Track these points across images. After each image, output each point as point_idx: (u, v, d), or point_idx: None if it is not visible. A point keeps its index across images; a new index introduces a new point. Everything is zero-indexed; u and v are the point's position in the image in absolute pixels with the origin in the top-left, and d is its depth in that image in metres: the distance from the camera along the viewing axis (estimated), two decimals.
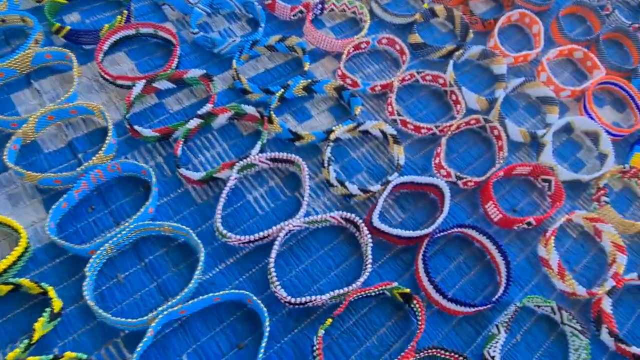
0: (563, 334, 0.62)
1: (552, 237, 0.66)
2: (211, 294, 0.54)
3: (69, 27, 0.73)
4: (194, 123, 0.67)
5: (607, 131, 0.83)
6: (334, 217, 0.63)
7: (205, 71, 0.72)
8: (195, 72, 0.72)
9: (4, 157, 0.59)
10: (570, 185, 0.77)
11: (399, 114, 0.75)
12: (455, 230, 0.65)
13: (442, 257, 0.65)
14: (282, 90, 0.73)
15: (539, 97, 0.87)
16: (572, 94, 0.88)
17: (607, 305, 0.62)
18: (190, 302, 0.53)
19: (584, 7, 1.04)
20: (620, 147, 0.84)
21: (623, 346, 0.60)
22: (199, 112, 0.68)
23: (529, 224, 0.69)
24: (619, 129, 0.83)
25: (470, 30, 0.90)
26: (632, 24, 1.02)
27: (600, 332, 0.62)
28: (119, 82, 0.70)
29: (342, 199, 0.68)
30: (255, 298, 0.55)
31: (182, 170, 0.63)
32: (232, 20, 0.85)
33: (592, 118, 0.84)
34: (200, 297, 0.53)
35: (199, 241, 0.57)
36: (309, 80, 0.75)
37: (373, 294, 0.59)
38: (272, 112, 0.70)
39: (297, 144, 0.71)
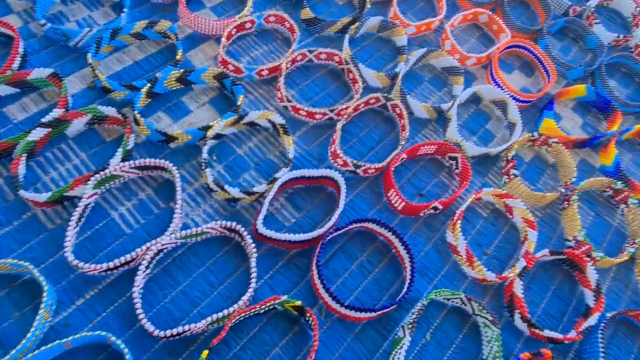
0: (476, 326, 0.57)
1: (459, 222, 0.61)
2: (59, 341, 0.45)
3: None
4: (38, 134, 0.57)
5: (514, 98, 0.78)
6: (213, 228, 0.55)
7: (52, 70, 0.61)
8: (40, 72, 0.61)
9: None
10: (480, 160, 0.72)
11: (288, 100, 0.67)
12: (354, 226, 0.59)
13: (342, 257, 0.59)
14: (149, 84, 0.63)
15: (444, 68, 0.81)
16: (478, 61, 0.83)
17: (518, 288, 0.58)
18: (32, 354, 0.44)
19: None
20: (531, 114, 0.81)
21: (537, 331, 0.56)
22: (44, 120, 0.57)
23: (435, 208, 0.63)
24: (527, 95, 0.78)
25: (368, 0, 0.83)
26: None
27: (514, 318, 0.58)
28: None
29: (227, 205, 0.60)
30: (114, 338, 0.46)
31: (23, 193, 0.52)
32: (93, 7, 0.73)
33: (499, 85, 0.79)
34: (44, 347, 0.44)
35: (40, 277, 0.47)
36: (182, 70, 0.66)
37: (262, 311, 0.52)
38: (136, 113, 0.60)
39: (171, 145, 0.62)
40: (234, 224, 0.55)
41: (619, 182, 0.71)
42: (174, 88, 0.67)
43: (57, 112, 0.58)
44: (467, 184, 0.65)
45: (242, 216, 0.59)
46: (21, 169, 0.55)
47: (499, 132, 0.77)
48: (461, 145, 0.70)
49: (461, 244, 0.60)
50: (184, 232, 0.53)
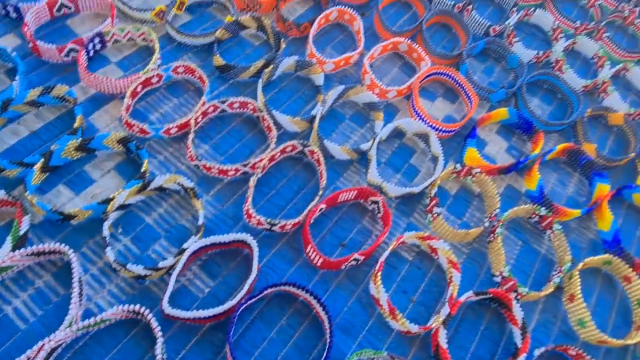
0: None
1: (379, 273, 0.59)
2: None
3: None
4: None
5: (436, 129, 0.77)
6: (114, 314, 0.51)
7: None
8: None
9: None
10: (404, 200, 0.71)
11: (198, 159, 0.65)
12: (269, 291, 0.57)
13: (260, 325, 0.56)
14: (43, 159, 0.59)
15: (365, 104, 0.80)
16: (399, 93, 0.82)
17: (442, 338, 0.56)
18: None
19: None
20: (456, 142, 0.80)
21: None
22: None
23: (356, 260, 0.61)
24: (448, 125, 0.78)
25: (282, 40, 0.81)
26: (456, 4, 0.98)
27: None
28: None
29: (135, 282, 0.57)
30: None
31: None
32: None
33: (420, 117, 0.79)
34: None
35: None
36: (81, 139, 0.62)
37: None
38: (27, 195, 0.56)
39: (73, 222, 0.59)
40: (137, 306, 0.52)
41: (543, 208, 0.71)
42: (76, 158, 0.64)
43: None
44: (388, 229, 0.64)
45: (151, 293, 0.56)
46: None
47: (424, 166, 0.76)
48: (382, 188, 0.69)
49: (383, 296, 0.58)
50: (81, 324, 0.50)
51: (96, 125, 0.68)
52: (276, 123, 0.72)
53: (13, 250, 0.53)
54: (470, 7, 0.97)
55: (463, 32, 0.95)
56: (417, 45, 0.88)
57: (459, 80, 0.85)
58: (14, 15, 0.75)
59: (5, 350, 0.50)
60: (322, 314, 0.56)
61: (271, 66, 0.77)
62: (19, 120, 0.66)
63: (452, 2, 0.98)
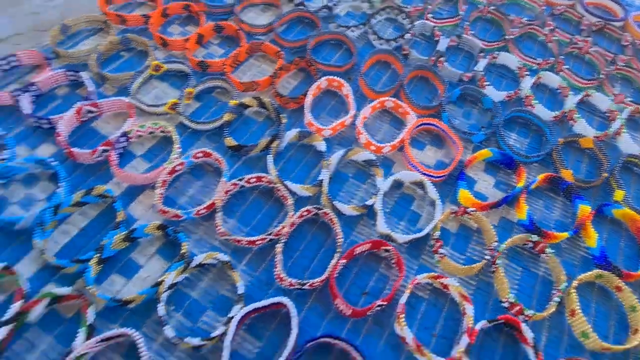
0: None
1: (402, 315, 0.67)
2: None
3: None
4: (3, 332, 0.60)
5: (429, 176, 0.87)
6: None
7: (3, 264, 0.65)
8: None
9: None
10: (413, 244, 0.80)
11: (228, 234, 0.74)
12: (310, 344, 0.65)
13: None
14: (97, 254, 0.68)
15: (364, 161, 0.90)
16: (393, 147, 0.92)
17: None
18: None
19: (383, 53, 1.10)
20: (450, 184, 0.90)
21: None
22: (5, 318, 0.61)
23: (380, 306, 0.70)
24: (440, 171, 0.88)
25: (282, 115, 0.91)
26: (430, 57, 1.10)
27: None
28: None
29: (194, 352, 0.64)
30: None
31: None
32: (31, 184, 0.78)
33: (415, 167, 0.89)
34: None
35: None
36: (126, 232, 0.71)
37: None
38: (89, 288, 0.65)
39: (130, 306, 0.67)
40: None
41: (534, 236, 0.81)
42: (122, 248, 0.72)
43: (16, 306, 0.62)
44: (403, 274, 0.73)
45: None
46: None
47: (424, 211, 0.86)
48: (391, 236, 0.78)
49: (408, 335, 0.66)
50: None
51: (133, 215, 0.77)
52: (290, 191, 0.81)
53: (86, 339, 0.61)
54: (442, 58, 1.09)
55: (439, 82, 1.07)
56: (402, 101, 0.99)
57: (443, 128, 0.96)
58: (46, 126, 0.85)
59: None
60: (357, 357, 0.64)
61: (277, 141, 0.87)
62: (67, 221, 0.75)
63: (426, 57, 1.10)
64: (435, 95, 1.06)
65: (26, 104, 0.86)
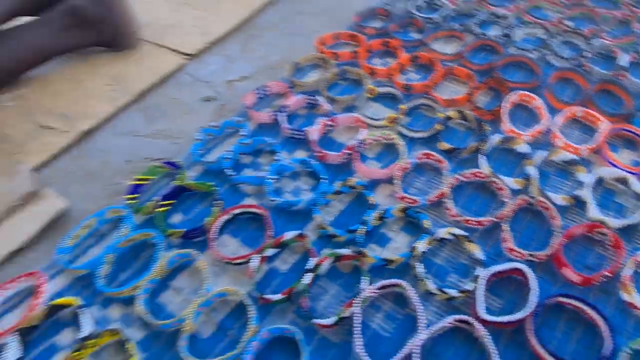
0: None
1: (630, 282, 0.77)
2: None
3: (182, 230, 0.90)
4: (308, 278, 0.82)
5: (631, 172, 0.96)
6: (450, 322, 0.75)
7: (299, 231, 0.88)
8: (290, 234, 0.88)
9: (181, 353, 0.73)
10: (623, 230, 0.89)
11: (459, 216, 0.90)
12: (549, 301, 0.77)
13: (544, 329, 0.76)
14: (363, 227, 0.88)
15: (565, 161, 1.02)
16: (589, 149, 1.03)
17: None
18: None
19: (566, 70, 1.23)
20: None
21: None
22: (308, 267, 0.83)
23: (605, 276, 0.80)
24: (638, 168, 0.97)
25: (483, 123, 1.07)
26: (612, 71, 1.20)
27: None
28: (237, 261, 0.85)
29: (446, 303, 0.80)
30: None
31: (317, 320, 0.76)
32: (297, 178, 1.03)
33: (615, 165, 0.98)
34: None
35: None
36: (380, 211, 0.91)
37: None
38: (362, 249, 0.84)
39: (390, 267, 0.85)
40: (465, 316, 0.75)
41: None
42: (376, 224, 0.92)
43: (314, 260, 0.84)
44: (622, 251, 0.82)
45: (460, 310, 0.79)
46: (307, 304, 0.79)
47: (629, 203, 0.94)
48: (605, 222, 0.88)
49: (637, 298, 0.76)
50: (430, 329, 0.74)
51: (377, 200, 0.97)
52: (504, 184, 0.96)
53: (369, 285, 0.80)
54: (625, 72, 1.18)
55: (624, 93, 1.16)
56: (592, 109, 1.09)
57: (636, 132, 1.05)
58: (298, 136, 1.10)
59: (372, 351, 0.75)
60: (596, 317, 0.75)
61: (484, 144, 1.03)
62: (329, 204, 0.97)
63: (607, 72, 1.20)
64: (621, 105, 1.15)
65: (283, 121, 1.12)
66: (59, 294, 0.84)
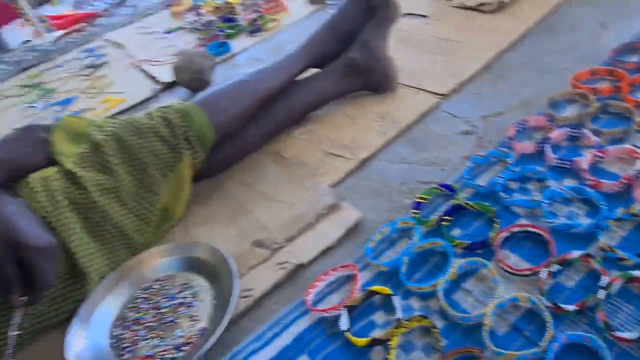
0: None
1: None
2: None
3: (466, 242, 1.03)
4: (602, 294, 0.86)
5: None
6: None
7: (585, 251, 0.93)
8: (576, 253, 0.94)
9: (485, 340, 0.84)
10: None
11: None
12: None
13: None
14: None
15: None
16: None
17: None
18: None
19: None
20: None
21: None
22: (601, 284, 0.87)
23: None
24: None
25: None
26: None
27: None
28: (524, 272, 0.94)
29: None
30: None
31: (619, 333, 0.80)
32: (569, 204, 1.08)
33: None
34: None
35: None
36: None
37: None
38: None
39: None
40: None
41: None
42: None
43: (604, 280, 0.88)
44: None
45: None
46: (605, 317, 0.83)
47: None
48: None
49: None
50: None
51: None
52: None
53: None
54: None
55: None
56: None
57: None
58: (565, 166, 1.15)
59: None
60: None
61: None
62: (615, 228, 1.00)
63: None
64: None
65: (548, 150, 1.19)
66: (368, 284, 1.04)
